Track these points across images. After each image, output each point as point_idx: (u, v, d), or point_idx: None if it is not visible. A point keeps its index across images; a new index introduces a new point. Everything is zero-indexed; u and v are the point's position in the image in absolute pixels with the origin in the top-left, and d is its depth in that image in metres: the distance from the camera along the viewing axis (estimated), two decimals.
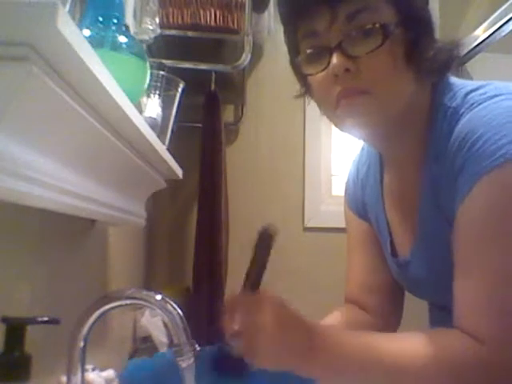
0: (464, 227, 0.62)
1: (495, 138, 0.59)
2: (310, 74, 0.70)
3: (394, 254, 0.82)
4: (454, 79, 0.73)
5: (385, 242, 0.83)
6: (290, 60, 0.75)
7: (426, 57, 0.68)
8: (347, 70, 0.64)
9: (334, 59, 0.64)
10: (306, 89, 0.76)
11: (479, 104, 0.64)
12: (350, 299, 0.89)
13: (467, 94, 0.67)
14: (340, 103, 0.67)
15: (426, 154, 0.70)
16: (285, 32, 0.73)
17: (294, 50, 0.73)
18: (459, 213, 0.62)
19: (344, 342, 0.63)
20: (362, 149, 0.93)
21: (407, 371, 0.61)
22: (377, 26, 0.63)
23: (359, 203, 0.89)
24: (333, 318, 0.86)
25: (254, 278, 0.63)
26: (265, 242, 0.62)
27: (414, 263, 0.76)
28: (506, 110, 0.62)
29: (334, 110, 0.68)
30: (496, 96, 0.64)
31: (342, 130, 0.72)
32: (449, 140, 0.65)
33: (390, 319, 0.88)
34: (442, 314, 0.80)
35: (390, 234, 0.82)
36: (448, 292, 0.64)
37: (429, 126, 0.70)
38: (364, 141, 0.82)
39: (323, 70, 0.67)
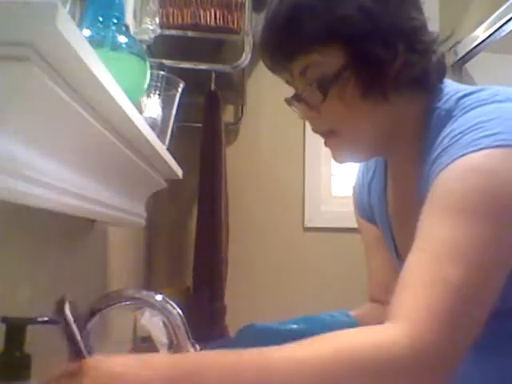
0: (426, 203, 0.59)
1: (476, 132, 0.59)
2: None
3: (398, 256, 0.82)
4: (450, 83, 0.73)
5: (389, 245, 0.84)
6: None
7: (390, 78, 0.67)
8: (310, 116, 0.71)
9: (297, 108, 0.72)
10: None
11: (472, 109, 0.64)
12: (373, 299, 0.92)
13: (461, 97, 0.67)
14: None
15: (422, 158, 0.70)
16: None
17: None
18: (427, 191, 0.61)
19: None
20: None
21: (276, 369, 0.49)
22: (322, 79, 0.67)
23: (366, 207, 0.90)
24: (363, 309, 0.89)
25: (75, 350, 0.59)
26: (61, 311, 0.59)
27: None
28: (492, 109, 0.62)
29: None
30: (488, 99, 0.64)
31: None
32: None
33: None
34: None
35: (393, 238, 0.82)
36: None
37: (424, 130, 0.70)
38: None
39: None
